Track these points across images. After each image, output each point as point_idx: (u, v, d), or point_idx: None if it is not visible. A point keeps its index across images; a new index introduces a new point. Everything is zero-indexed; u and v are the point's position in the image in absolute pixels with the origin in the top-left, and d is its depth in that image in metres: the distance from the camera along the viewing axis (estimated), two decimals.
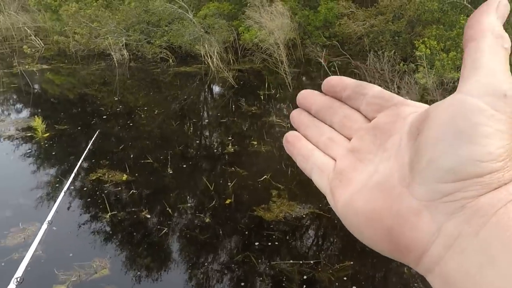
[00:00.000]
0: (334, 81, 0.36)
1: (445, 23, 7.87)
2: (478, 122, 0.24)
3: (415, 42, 7.55)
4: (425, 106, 0.31)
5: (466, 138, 0.25)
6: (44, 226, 2.32)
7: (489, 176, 0.24)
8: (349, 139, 0.34)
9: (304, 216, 4.11)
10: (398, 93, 7.05)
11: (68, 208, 4.32)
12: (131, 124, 6.82)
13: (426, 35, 7.81)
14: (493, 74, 0.25)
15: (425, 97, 6.91)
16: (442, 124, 0.26)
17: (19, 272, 1.93)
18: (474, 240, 0.24)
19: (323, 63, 8.12)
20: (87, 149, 4.31)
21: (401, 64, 7.42)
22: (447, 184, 0.25)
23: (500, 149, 0.24)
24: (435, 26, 7.84)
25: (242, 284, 3.31)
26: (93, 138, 4.94)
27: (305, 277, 3.30)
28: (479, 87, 0.25)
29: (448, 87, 6.94)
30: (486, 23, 0.26)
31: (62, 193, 3.17)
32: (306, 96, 0.37)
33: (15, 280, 1.84)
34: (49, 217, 2.39)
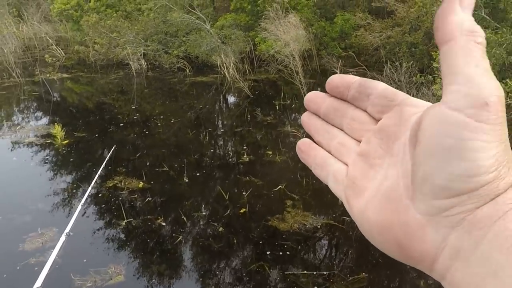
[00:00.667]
0: (336, 81, 0.35)
1: None
2: (464, 137, 0.24)
3: (432, 53, 7.50)
4: (427, 104, 0.30)
5: (455, 154, 0.25)
6: (63, 238, 2.36)
7: (484, 188, 0.25)
8: (359, 141, 0.34)
9: (318, 226, 4.09)
10: None
11: (84, 214, 4.39)
12: (147, 132, 6.91)
13: None
14: (471, 81, 0.24)
15: None
16: (431, 137, 0.26)
17: (39, 283, 1.96)
18: (476, 252, 0.24)
19: (338, 74, 8.12)
20: (104, 161, 4.38)
21: (418, 76, 7.37)
22: (443, 201, 0.26)
23: (490, 160, 0.24)
24: None
25: None
26: (110, 153, 5.02)
27: (320, 287, 3.28)
28: (460, 98, 0.25)
29: None
30: (453, 22, 0.25)
31: (80, 205, 3.22)
32: (313, 99, 0.37)
33: None
34: (67, 229, 2.43)
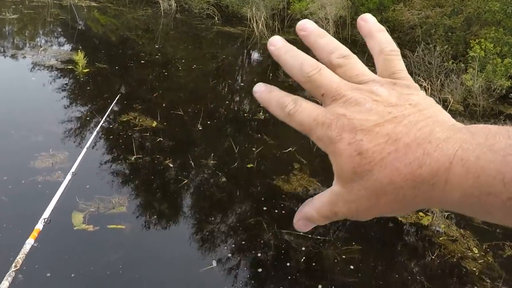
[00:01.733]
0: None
1: (506, 27, 7.46)
2: None
3: (470, 41, 7.22)
4: None
5: None
6: (69, 176, 2.39)
7: None
8: None
9: None
10: (441, 91, 6.84)
11: (95, 145, 4.46)
12: (166, 74, 6.88)
13: (482, 35, 7.44)
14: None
15: (468, 99, 6.66)
16: None
17: (47, 213, 2.02)
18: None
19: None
20: (117, 97, 4.36)
21: (450, 62, 7.13)
22: None
23: None
24: (494, 28, 7.44)
25: (248, 246, 3.38)
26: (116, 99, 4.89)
27: (312, 250, 3.35)
28: None
29: (494, 94, 6.65)
30: None
31: (90, 139, 3.25)
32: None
33: (43, 221, 1.93)
34: (73, 169, 2.46)
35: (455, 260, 3.44)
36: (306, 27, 0.38)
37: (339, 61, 0.36)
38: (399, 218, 3.83)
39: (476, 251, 3.53)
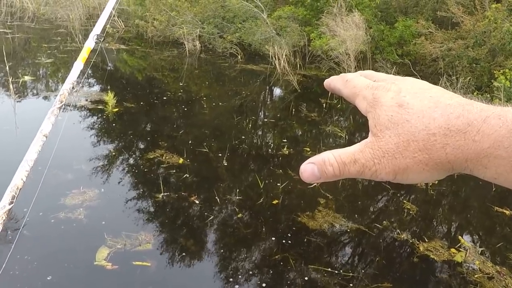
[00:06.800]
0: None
1: None
2: None
3: (494, 72, 7.16)
4: None
5: None
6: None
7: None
8: None
9: (348, 230, 4.05)
10: None
11: (121, 182, 4.56)
12: (191, 112, 7.05)
13: (507, 66, 7.36)
14: None
15: None
16: None
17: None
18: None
19: None
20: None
21: (475, 93, 7.06)
22: None
23: None
24: None
25: (274, 282, 3.32)
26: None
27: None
28: None
29: None
30: None
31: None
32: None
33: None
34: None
35: None
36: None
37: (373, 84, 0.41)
38: (431, 256, 3.70)
39: None
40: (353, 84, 0.40)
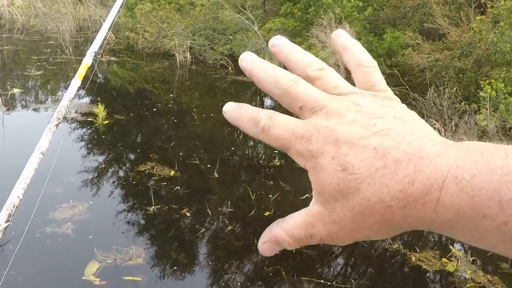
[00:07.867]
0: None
1: None
2: None
3: (480, 82, 7.28)
4: None
5: None
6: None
7: None
8: None
9: None
10: (455, 131, 6.82)
11: (111, 195, 4.52)
12: (181, 124, 7.04)
13: (493, 76, 7.50)
14: None
15: (483, 140, 6.60)
16: None
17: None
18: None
19: None
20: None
21: (463, 103, 7.16)
22: None
23: None
24: (505, 69, 7.51)
25: None
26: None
27: None
28: None
29: (510, 133, 6.60)
30: None
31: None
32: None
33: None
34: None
35: None
36: (278, 42, 0.34)
37: (316, 73, 0.33)
38: (423, 266, 3.71)
39: None
40: (276, 133, 0.32)
